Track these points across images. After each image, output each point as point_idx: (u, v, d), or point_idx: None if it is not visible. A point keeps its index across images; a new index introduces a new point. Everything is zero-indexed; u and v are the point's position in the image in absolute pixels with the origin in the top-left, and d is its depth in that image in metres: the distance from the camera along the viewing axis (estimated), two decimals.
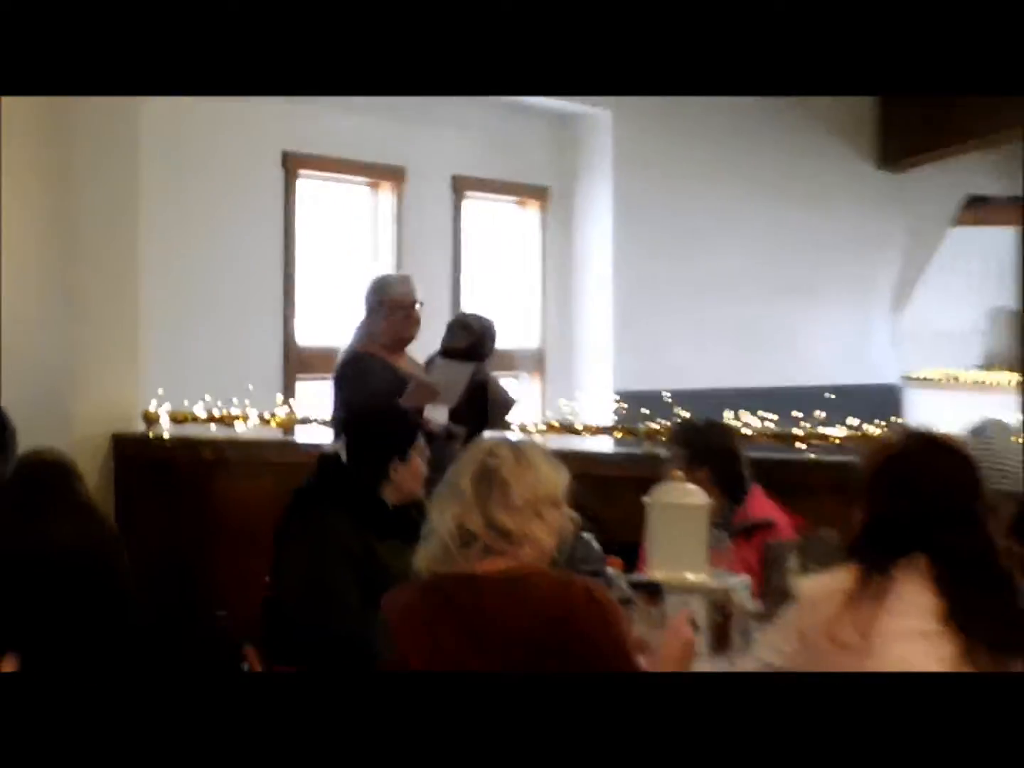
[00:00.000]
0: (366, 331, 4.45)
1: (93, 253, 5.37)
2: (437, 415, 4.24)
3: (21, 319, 5.22)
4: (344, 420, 3.41)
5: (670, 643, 2.54)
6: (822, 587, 2.32)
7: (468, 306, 7.41)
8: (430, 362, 4.49)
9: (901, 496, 2.33)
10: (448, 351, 4.42)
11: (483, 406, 4.36)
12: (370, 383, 4.24)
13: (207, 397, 5.71)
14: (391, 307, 4.42)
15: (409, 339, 4.49)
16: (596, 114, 7.77)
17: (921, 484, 2.33)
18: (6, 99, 5.20)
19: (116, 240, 5.46)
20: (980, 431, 3.16)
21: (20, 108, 5.18)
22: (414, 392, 4.18)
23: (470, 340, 4.41)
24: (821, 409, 5.43)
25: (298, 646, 2.97)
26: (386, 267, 7.18)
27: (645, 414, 5.55)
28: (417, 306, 4.47)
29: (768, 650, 2.39)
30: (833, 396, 6.25)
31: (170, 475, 5.39)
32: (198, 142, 6.28)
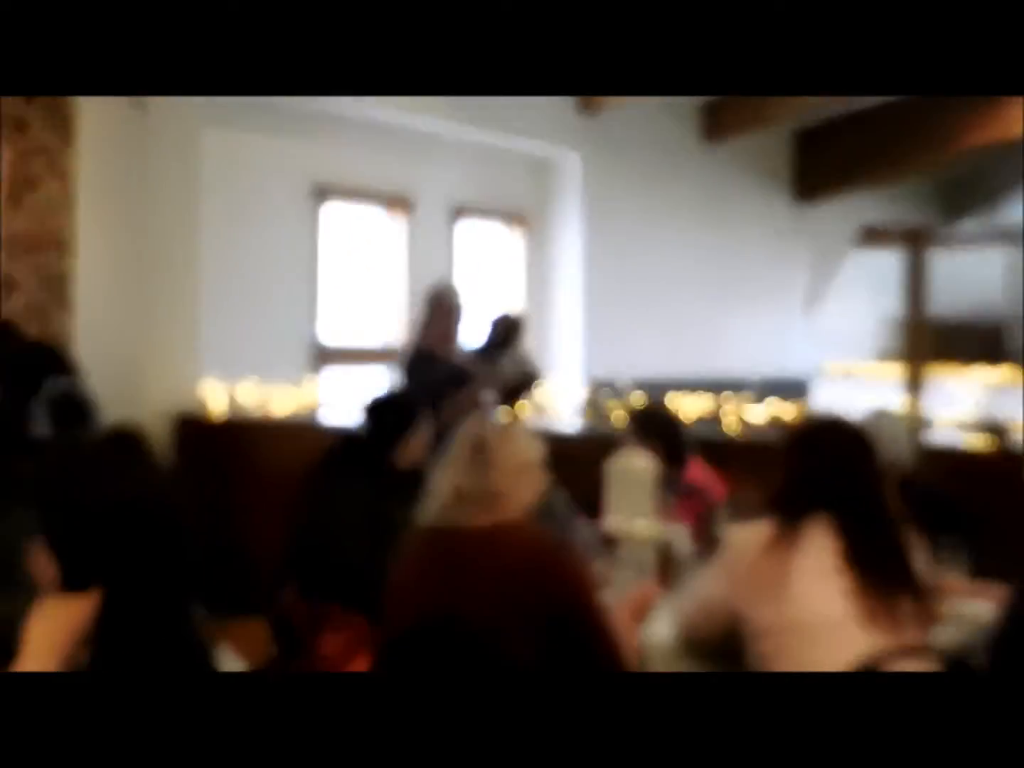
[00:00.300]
0: (424, 331, 4.41)
1: (159, 258, 5.35)
2: (486, 395, 4.23)
3: (96, 309, 5.21)
4: (366, 402, 3.38)
5: (635, 596, 2.53)
6: (746, 536, 2.33)
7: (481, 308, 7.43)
8: (476, 352, 4.43)
9: (810, 465, 2.35)
10: (493, 344, 4.36)
11: (518, 383, 4.33)
12: (428, 372, 4.22)
13: (249, 383, 5.71)
14: (442, 311, 4.39)
15: (457, 337, 4.45)
16: (567, 154, 7.79)
17: (825, 456, 2.35)
18: (86, 121, 5.14)
19: (178, 248, 5.43)
20: (874, 416, 3.18)
21: (97, 129, 5.16)
22: (483, 381, 4.16)
23: (505, 331, 4.36)
24: (746, 395, 5.45)
25: (322, 580, 2.97)
26: (397, 279, 7.20)
27: (609, 397, 5.56)
28: (463, 311, 4.43)
29: (702, 587, 2.40)
30: (757, 384, 6.27)
31: (218, 445, 5.38)
32: (246, 171, 6.25)
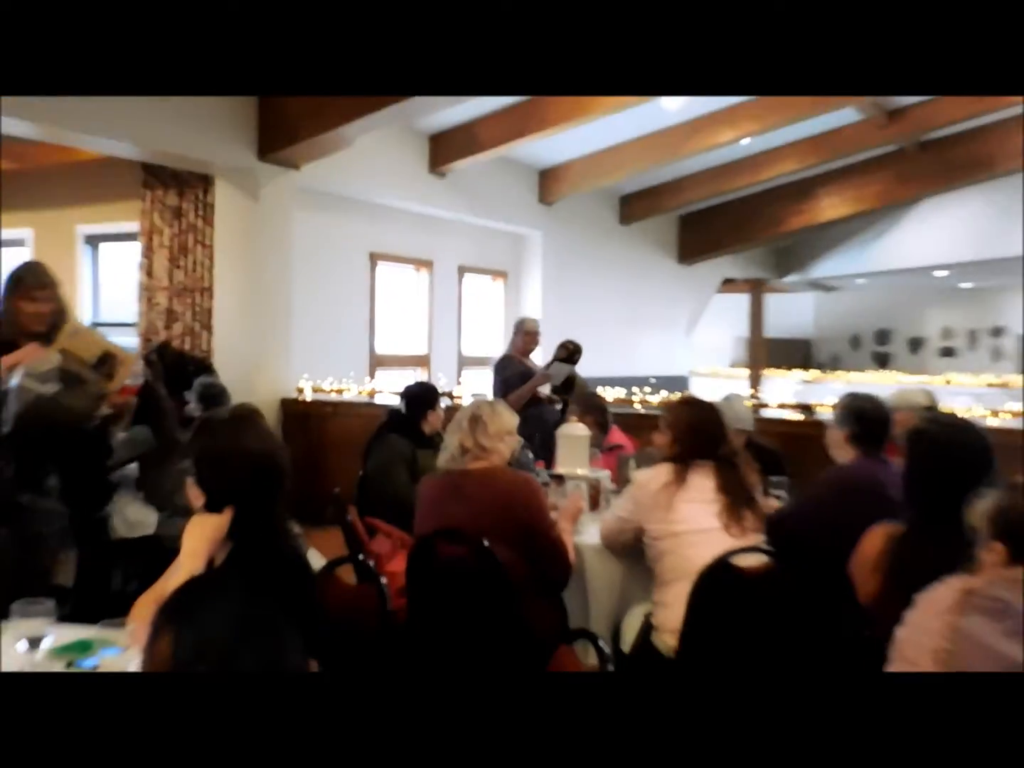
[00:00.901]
0: (511, 345, 4.41)
1: (268, 298, 5.30)
2: (545, 390, 4.20)
3: (227, 332, 5.16)
4: (405, 390, 3.35)
5: (569, 507, 2.55)
6: (648, 476, 2.34)
7: (471, 338, 7.39)
8: (548, 364, 4.35)
9: (688, 429, 2.35)
10: (558, 359, 4.25)
11: (571, 387, 4.26)
12: (505, 371, 4.20)
13: (329, 378, 5.68)
14: (524, 333, 4.37)
15: (532, 351, 4.39)
16: (533, 232, 7.78)
17: (688, 422, 2.34)
18: (220, 208, 5.03)
19: (280, 291, 5.38)
20: (727, 398, 3.19)
21: (227, 214, 5.09)
22: (539, 378, 4.14)
23: (569, 352, 4.26)
24: (647, 387, 5.46)
25: (375, 504, 2.96)
26: (423, 313, 7.18)
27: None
28: (538, 334, 4.39)
29: (617, 509, 2.41)
30: (654, 380, 6.29)
31: (309, 419, 5.34)
32: (324, 242, 6.21)
